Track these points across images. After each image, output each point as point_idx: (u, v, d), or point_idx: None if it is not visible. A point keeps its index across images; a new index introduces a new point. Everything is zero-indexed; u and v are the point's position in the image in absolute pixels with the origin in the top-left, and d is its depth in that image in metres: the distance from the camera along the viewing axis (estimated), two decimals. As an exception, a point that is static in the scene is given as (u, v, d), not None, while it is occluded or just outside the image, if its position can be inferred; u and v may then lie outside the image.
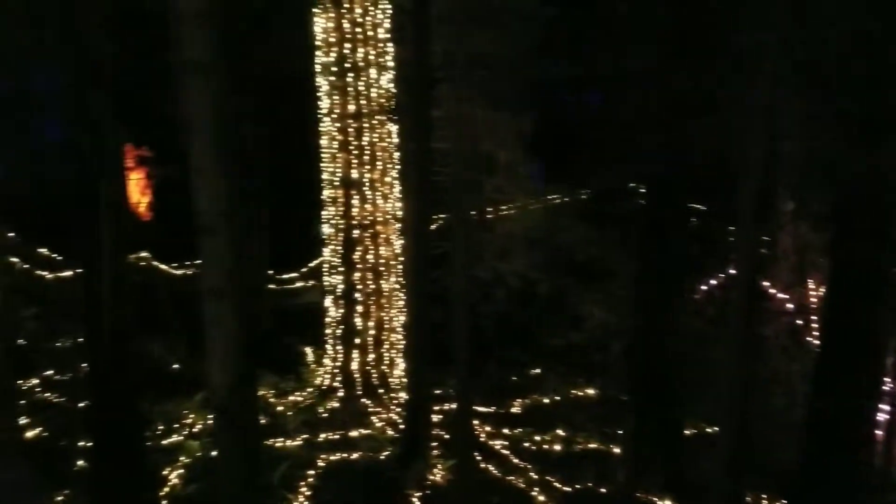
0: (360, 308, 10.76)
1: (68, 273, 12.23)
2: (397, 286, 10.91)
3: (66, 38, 7.48)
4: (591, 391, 11.38)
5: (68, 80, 7.62)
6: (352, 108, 10.46)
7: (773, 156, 7.92)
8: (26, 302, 11.53)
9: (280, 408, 10.54)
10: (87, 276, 7.72)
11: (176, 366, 11.41)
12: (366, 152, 10.60)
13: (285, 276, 14.12)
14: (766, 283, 10.91)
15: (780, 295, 11.93)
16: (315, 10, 10.40)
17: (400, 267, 10.90)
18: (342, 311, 10.81)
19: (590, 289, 12.58)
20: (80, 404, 9.54)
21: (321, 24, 10.42)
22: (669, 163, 9.19)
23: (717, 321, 11.01)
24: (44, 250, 12.74)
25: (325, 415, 10.42)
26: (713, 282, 12.43)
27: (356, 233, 10.69)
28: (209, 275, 4.75)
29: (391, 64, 10.54)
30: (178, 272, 13.11)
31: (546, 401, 11.20)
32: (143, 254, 13.00)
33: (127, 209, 11.72)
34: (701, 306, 11.82)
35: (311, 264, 13.64)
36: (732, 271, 9.48)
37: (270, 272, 13.67)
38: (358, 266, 10.74)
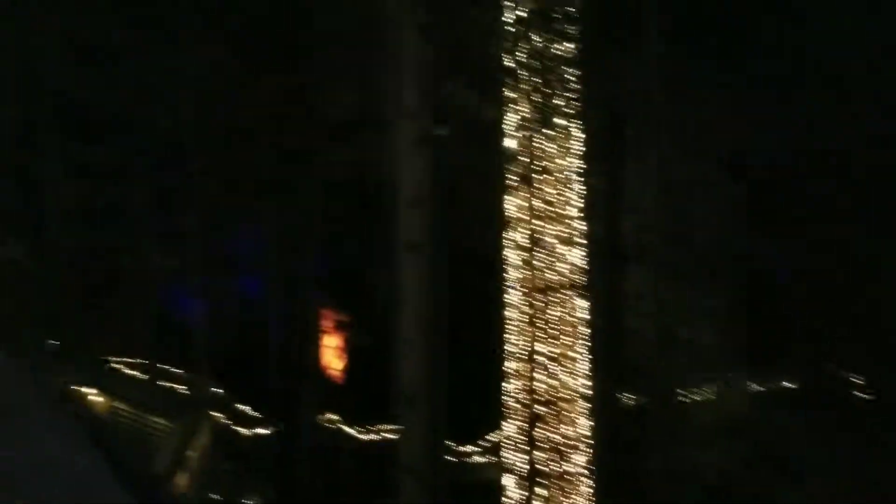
0: (542, 492, 10.24)
1: (264, 431, 12.80)
2: (584, 470, 10.33)
3: (273, 207, 8.24)
4: None
5: (274, 244, 8.33)
6: (540, 282, 10.56)
7: None
8: (223, 457, 12.10)
9: None
10: (284, 435, 8.02)
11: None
12: (552, 326, 10.53)
13: (463, 449, 13.86)
14: None
15: None
16: (507, 190, 10.88)
17: (587, 449, 10.37)
18: (523, 493, 10.34)
19: (799, 487, 11.22)
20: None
21: (512, 202, 10.85)
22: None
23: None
24: (243, 406, 13.50)
25: None
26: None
27: (539, 409, 10.41)
28: (406, 449, 4.74)
29: (581, 240, 10.64)
30: (365, 437, 13.30)
31: None
32: (333, 416, 13.39)
33: (323, 372, 12.34)
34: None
35: (491, 438, 13.34)
36: None
37: (448, 443, 13.50)
38: (540, 445, 10.35)
